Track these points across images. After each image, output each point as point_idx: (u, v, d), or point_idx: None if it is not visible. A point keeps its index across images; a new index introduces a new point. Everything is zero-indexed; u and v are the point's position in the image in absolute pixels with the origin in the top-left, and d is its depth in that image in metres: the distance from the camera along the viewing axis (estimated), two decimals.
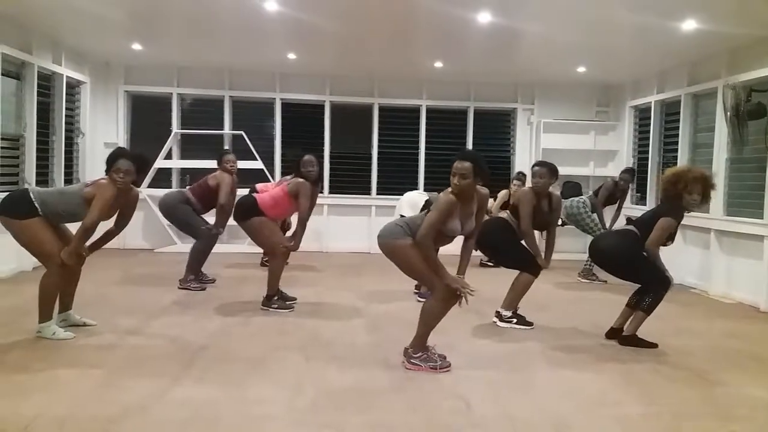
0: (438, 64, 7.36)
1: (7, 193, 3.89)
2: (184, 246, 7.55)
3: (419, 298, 5.02)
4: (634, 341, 4.05)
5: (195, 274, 5.58)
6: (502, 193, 7.39)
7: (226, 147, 7.84)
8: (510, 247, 4.57)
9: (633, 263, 4.09)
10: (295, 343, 3.90)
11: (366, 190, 8.56)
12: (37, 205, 3.71)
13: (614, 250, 4.17)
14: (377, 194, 8.52)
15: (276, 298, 4.83)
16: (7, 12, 5.61)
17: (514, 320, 4.49)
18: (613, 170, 8.35)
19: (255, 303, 4.94)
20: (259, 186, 6.39)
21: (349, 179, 8.58)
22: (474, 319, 4.67)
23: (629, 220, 4.34)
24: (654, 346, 4.02)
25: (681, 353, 3.98)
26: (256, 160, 7.89)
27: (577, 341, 4.20)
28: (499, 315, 4.55)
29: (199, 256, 5.63)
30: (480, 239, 4.76)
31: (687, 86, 6.71)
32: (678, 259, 6.50)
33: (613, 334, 4.21)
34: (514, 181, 7.42)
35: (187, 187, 6.01)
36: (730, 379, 3.51)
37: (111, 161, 3.83)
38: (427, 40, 6.36)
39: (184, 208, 5.67)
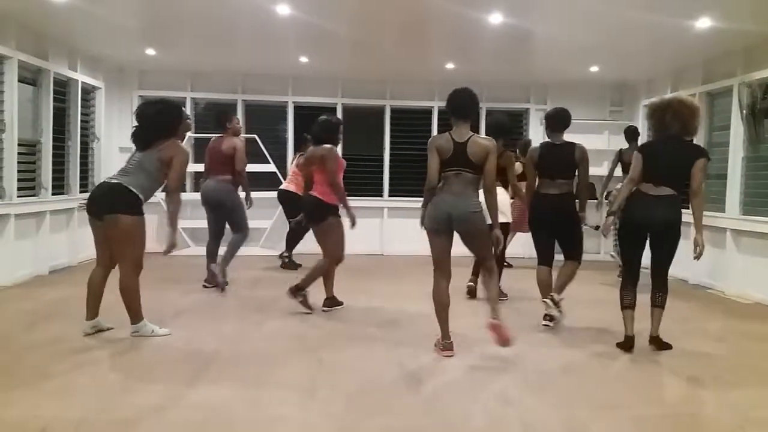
0: (450, 66, 7.35)
1: (100, 191, 3.91)
2: (197, 249, 7.59)
3: None
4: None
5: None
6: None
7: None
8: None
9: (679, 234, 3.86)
10: (309, 346, 3.91)
11: (378, 192, 8.57)
12: (136, 192, 3.81)
13: (678, 220, 3.82)
14: (389, 196, 8.53)
15: (304, 294, 4.80)
16: (23, 19, 5.68)
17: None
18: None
19: (269, 305, 4.97)
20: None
21: (361, 181, 8.58)
22: (485, 320, 4.66)
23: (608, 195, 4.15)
24: (668, 347, 3.96)
25: (698, 354, 3.94)
26: (269, 163, 7.93)
27: (592, 343, 4.16)
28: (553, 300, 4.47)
29: (235, 250, 5.63)
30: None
31: (702, 84, 6.65)
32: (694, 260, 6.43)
33: (655, 342, 3.92)
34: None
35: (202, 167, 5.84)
36: (747, 380, 3.47)
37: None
38: (439, 42, 6.36)
39: (237, 196, 5.63)
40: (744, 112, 5.76)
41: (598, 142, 8.39)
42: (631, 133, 6.66)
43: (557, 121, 4.56)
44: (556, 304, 4.45)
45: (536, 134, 8.54)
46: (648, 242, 3.91)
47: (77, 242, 6.76)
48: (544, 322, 4.43)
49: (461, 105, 3.72)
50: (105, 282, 3.96)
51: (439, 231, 3.66)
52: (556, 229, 4.51)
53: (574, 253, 4.53)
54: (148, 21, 5.86)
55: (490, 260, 3.76)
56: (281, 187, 7.12)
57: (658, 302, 3.90)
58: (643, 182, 3.86)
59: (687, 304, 5.25)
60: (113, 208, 3.79)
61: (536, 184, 4.60)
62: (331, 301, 4.93)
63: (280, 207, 7.49)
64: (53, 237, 6.42)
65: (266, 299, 5.28)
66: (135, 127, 4.05)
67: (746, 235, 5.90)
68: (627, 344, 3.88)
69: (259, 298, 5.30)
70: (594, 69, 7.36)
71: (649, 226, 3.85)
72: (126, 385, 3.13)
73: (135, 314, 3.93)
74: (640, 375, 3.53)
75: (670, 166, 3.82)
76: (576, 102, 8.39)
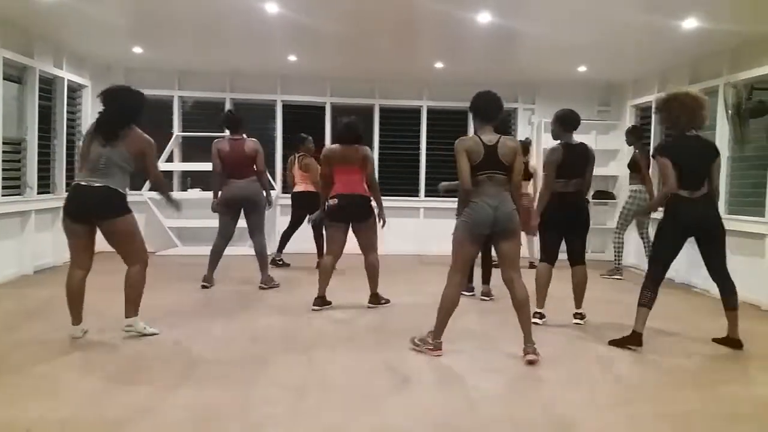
0: (438, 65, 7.36)
1: (89, 196, 3.78)
2: (185, 249, 7.57)
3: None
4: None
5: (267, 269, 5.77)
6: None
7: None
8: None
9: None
10: (299, 345, 3.90)
11: None
12: (122, 192, 3.84)
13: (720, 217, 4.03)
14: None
15: (379, 297, 5.08)
16: (8, 16, 5.61)
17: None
18: (615, 169, 8.35)
19: (259, 305, 4.95)
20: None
21: None
22: (475, 319, 4.67)
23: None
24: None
25: (685, 353, 3.98)
26: None
27: (582, 341, 4.19)
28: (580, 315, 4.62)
29: (266, 252, 5.75)
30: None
31: (688, 85, 6.69)
32: (679, 258, 6.47)
33: (734, 343, 4.01)
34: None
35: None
36: (734, 377, 3.51)
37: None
38: (428, 41, 6.36)
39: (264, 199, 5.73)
40: (729, 112, 5.82)
41: (586, 142, 8.40)
42: (637, 133, 6.82)
43: (570, 121, 4.61)
44: (583, 317, 4.62)
45: (524, 133, 8.59)
46: (700, 248, 4.05)
47: (63, 242, 6.59)
48: (533, 320, 4.44)
49: (485, 107, 3.74)
50: (85, 283, 3.91)
51: (479, 236, 3.66)
52: (572, 227, 4.57)
53: (581, 255, 4.63)
54: (136, 19, 5.80)
55: (517, 270, 3.71)
56: (298, 189, 7.00)
57: (735, 304, 3.99)
58: (678, 189, 3.91)
59: (674, 303, 5.29)
60: (112, 211, 3.78)
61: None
62: (322, 301, 4.92)
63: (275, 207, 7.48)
64: (38, 236, 6.36)
65: (256, 299, 5.26)
66: (102, 113, 3.94)
67: (731, 234, 5.86)
68: (637, 340, 3.91)
69: (249, 298, 5.28)
70: (582, 69, 7.40)
71: (700, 230, 3.96)
72: (113, 385, 3.11)
73: (135, 307, 3.94)
74: (631, 373, 3.55)
75: (697, 168, 3.91)
76: (564, 101, 8.36)
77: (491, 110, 3.74)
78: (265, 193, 5.77)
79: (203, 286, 5.59)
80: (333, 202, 4.83)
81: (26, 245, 6.13)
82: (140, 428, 2.61)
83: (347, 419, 2.77)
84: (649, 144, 7.04)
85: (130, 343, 3.84)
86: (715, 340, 4.11)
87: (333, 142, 4.95)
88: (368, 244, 5.01)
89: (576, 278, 4.62)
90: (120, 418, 2.68)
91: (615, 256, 6.87)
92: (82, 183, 3.80)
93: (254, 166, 5.62)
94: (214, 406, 2.87)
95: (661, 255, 4.04)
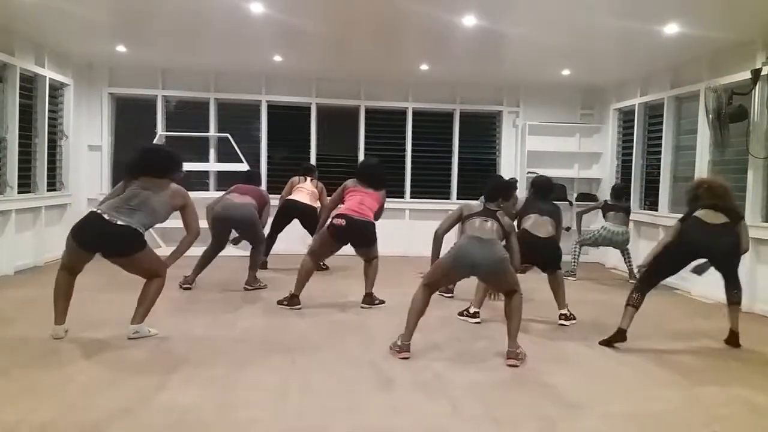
0: (424, 67, 7.38)
1: (107, 232, 3.74)
2: (169, 250, 7.49)
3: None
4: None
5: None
6: None
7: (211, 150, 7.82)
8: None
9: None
10: (282, 347, 3.89)
11: None
12: (142, 231, 3.84)
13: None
14: None
15: (373, 297, 5.20)
16: None
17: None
18: (598, 172, 8.44)
19: (242, 306, 4.92)
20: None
21: (335, 182, 8.51)
22: (458, 321, 4.70)
23: None
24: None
25: (663, 353, 4.03)
26: (242, 162, 7.86)
27: (561, 342, 4.23)
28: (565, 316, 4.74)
29: (260, 254, 5.99)
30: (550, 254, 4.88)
31: (670, 89, 6.80)
32: None
33: (734, 339, 4.19)
34: None
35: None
36: (711, 378, 3.55)
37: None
38: (413, 43, 6.38)
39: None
40: (710, 116, 5.89)
41: (569, 145, 8.51)
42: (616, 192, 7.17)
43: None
44: (567, 317, 4.74)
45: (509, 136, 8.63)
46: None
47: (44, 242, 6.62)
48: (561, 322, 4.71)
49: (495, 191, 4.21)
50: (74, 284, 3.91)
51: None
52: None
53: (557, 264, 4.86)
54: (119, 17, 5.75)
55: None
56: (299, 198, 6.91)
57: (735, 299, 4.18)
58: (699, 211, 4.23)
59: (653, 304, 5.34)
60: (127, 251, 3.81)
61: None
62: (292, 300, 4.94)
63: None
64: (19, 236, 6.28)
65: (239, 300, 5.24)
66: (144, 156, 4.07)
67: None
68: (622, 336, 4.06)
69: (232, 299, 5.26)
70: (566, 72, 7.46)
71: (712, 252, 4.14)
72: (93, 387, 3.08)
73: (145, 316, 3.98)
74: (607, 373, 3.59)
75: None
76: (548, 104, 8.54)
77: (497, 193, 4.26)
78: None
79: (186, 288, 5.56)
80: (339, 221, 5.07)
81: (6, 245, 6.05)
82: (122, 431, 2.59)
83: (330, 420, 2.77)
84: (630, 155, 7.29)
85: (112, 343, 3.80)
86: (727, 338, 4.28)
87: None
88: (367, 254, 5.25)
89: (556, 282, 4.80)
90: (101, 421, 2.65)
91: (573, 258, 7.04)
92: (105, 216, 3.76)
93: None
94: (195, 408, 2.85)
95: (663, 276, 4.30)
